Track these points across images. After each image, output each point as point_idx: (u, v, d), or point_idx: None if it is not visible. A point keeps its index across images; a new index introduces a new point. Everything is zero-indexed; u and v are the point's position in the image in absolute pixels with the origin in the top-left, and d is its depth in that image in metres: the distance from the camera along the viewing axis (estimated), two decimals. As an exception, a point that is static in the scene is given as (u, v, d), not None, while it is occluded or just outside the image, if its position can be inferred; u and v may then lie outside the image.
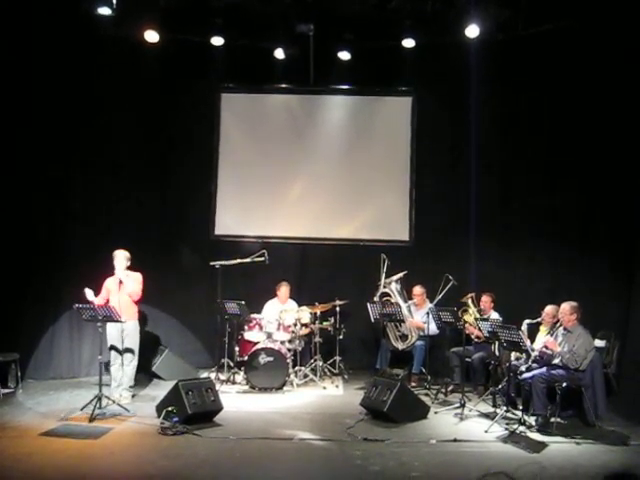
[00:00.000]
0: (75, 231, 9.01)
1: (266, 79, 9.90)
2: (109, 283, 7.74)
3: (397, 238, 9.91)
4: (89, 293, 7.43)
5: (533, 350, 7.02)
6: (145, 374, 8.84)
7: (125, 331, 7.62)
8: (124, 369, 7.64)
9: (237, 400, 7.77)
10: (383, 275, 8.89)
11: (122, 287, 7.63)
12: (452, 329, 8.04)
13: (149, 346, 9.14)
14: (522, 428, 6.57)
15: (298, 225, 10.06)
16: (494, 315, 8.24)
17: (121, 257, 7.66)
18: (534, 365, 7.02)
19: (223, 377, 8.50)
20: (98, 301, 7.49)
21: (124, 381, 7.62)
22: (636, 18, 7.73)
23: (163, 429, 6.35)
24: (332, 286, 9.60)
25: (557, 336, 7.04)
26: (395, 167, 10.03)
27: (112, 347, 7.59)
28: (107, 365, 7.64)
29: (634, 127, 8.05)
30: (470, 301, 8.40)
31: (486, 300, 8.43)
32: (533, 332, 7.46)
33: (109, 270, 8.15)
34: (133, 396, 7.70)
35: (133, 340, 7.68)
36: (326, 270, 9.97)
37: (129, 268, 7.74)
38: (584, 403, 6.83)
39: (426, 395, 7.94)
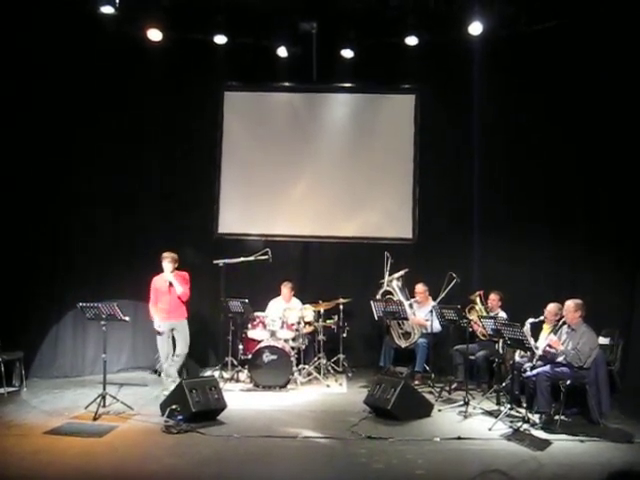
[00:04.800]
0: (78, 230, 9.03)
1: (269, 77, 9.89)
2: (158, 283, 7.93)
3: (400, 236, 9.89)
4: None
5: (537, 348, 7.01)
6: (149, 373, 8.90)
7: (176, 329, 7.86)
8: (174, 359, 7.88)
9: (241, 398, 7.78)
10: (387, 273, 8.89)
11: (172, 289, 7.83)
12: (456, 327, 8.04)
13: (153, 345, 9.17)
14: (526, 426, 6.57)
15: (301, 223, 10.05)
16: (501, 314, 8.21)
17: (169, 259, 7.86)
18: (538, 363, 7.01)
19: (227, 375, 8.52)
20: (153, 303, 7.86)
21: (174, 368, 7.84)
22: (637, 13, 7.72)
23: (167, 427, 6.36)
24: (335, 284, 9.60)
25: (561, 334, 7.03)
26: (398, 165, 10.02)
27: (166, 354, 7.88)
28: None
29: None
30: (478, 299, 8.40)
31: (494, 298, 8.42)
32: (536, 330, 7.44)
33: (111, 268, 8.20)
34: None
35: (184, 338, 7.89)
36: (329, 268, 9.97)
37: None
38: (588, 401, 6.82)
39: (430, 393, 7.93)
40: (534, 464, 5.65)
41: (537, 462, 5.70)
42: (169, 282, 7.85)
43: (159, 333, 7.80)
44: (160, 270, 7.91)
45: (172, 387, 7.32)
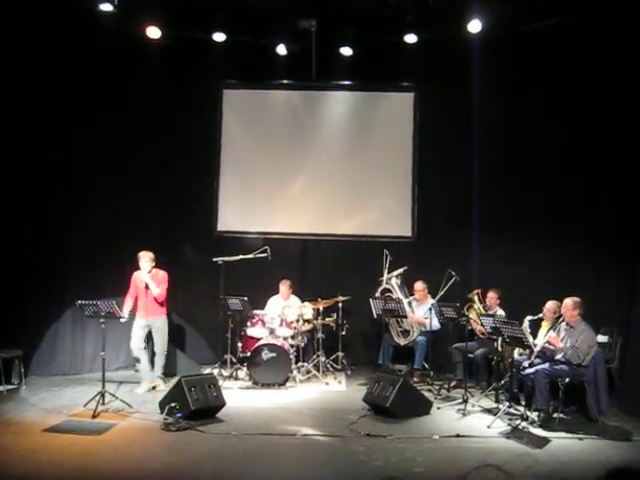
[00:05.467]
0: (78, 229, 9.02)
1: (268, 75, 9.88)
2: (137, 280, 8.01)
3: (399, 234, 9.90)
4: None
5: (536, 346, 7.01)
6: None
7: (154, 327, 8.01)
8: (156, 359, 8.06)
9: (240, 396, 7.79)
10: (385, 271, 8.89)
11: (149, 290, 7.91)
12: (455, 325, 8.04)
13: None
14: (525, 424, 6.56)
15: (300, 221, 10.05)
16: (500, 312, 8.22)
17: (146, 259, 7.92)
18: (537, 361, 7.02)
19: (226, 373, 8.52)
20: (130, 296, 7.97)
21: (157, 370, 8.04)
22: (638, 11, 7.71)
23: (166, 425, 6.37)
24: (334, 282, 9.59)
25: (560, 332, 7.05)
26: (397, 162, 10.02)
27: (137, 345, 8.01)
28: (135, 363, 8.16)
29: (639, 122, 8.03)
30: (476, 297, 8.40)
31: (492, 296, 8.42)
32: (535, 328, 7.45)
33: (111, 267, 8.20)
34: (165, 382, 8.11)
35: (162, 334, 8.07)
36: (328, 266, 9.97)
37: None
38: (587, 398, 6.84)
39: (429, 391, 7.94)
40: (532, 461, 5.66)
41: (535, 459, 5.71)
42: (145, 283, 7.91)
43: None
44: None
45: (158, 382, 7.76)
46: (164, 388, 7.80)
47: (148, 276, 7.91)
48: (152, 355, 8.20)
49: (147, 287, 7.91)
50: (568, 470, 5.50)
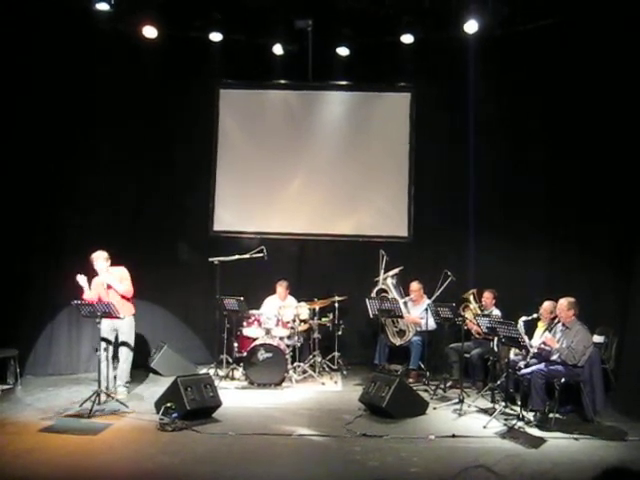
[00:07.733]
0: (74, 228, 8.99)
1: (265, 75, 9.88)
2: (98, 285, 7.64)
3: (396, 234, 9.91)
4: (82, 279, 7.36)
5: (532, 346, 7.02)
6: (144, 370, 8.85)
7: (120, 328, 7.65)
8: (120, 365, 7.65)
9: (236, 396, 7.78)
10: (382, 271, 8.90)
11: (110, 290, 7.57)
12: (451, 325, 8.05)
13: (148, 342, 9.17)
14: (521, 424, 6.58)
15: (297, 221, 10.05)
16: (496, 312, 8.23)
17: (101, 259, 7.57)
18: (532, 361, 7.03)
19: (222, 373, 8.51)
20: (90, 296, 7.47)
21: (122, 377, 7.65)
22: (634, 11, 7.73)
23: (162, 425, 6.35)
24: (331, 282, 9.59)
25: (555, 332, 7.05)
26: (394, 163, 10.03)
27: (104, 340, 7.48)
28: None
29: (635, 124, 8.04)
30: (472, 297, 8.41)
31: (488, 296, 8.42)
32: (531, 328, 7.46)
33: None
34: (129, 392, 7.71)
35: (128, 336, 7.70)
36: (325, 266, 9.97)
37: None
38: (582, 399, 6.85)
39: (425, 391, 7.93)
40: (528, 462, 5.66)
41: (531, 460, 5.71)
42: (106, 284, 7.54)
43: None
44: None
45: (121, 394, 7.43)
46: (125, 397, 7.43)
47: (108, 276, 7.57)
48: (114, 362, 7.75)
49: (109, 287, 7.55)
50: (564, 470, 5.50)
